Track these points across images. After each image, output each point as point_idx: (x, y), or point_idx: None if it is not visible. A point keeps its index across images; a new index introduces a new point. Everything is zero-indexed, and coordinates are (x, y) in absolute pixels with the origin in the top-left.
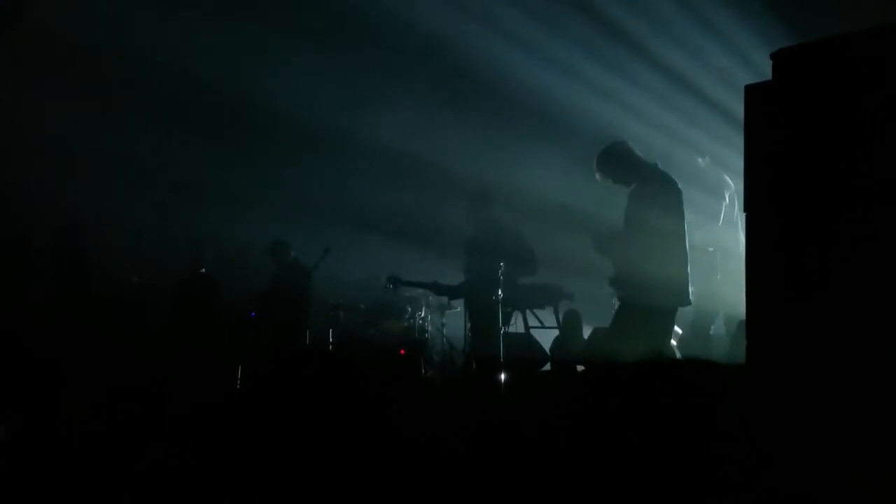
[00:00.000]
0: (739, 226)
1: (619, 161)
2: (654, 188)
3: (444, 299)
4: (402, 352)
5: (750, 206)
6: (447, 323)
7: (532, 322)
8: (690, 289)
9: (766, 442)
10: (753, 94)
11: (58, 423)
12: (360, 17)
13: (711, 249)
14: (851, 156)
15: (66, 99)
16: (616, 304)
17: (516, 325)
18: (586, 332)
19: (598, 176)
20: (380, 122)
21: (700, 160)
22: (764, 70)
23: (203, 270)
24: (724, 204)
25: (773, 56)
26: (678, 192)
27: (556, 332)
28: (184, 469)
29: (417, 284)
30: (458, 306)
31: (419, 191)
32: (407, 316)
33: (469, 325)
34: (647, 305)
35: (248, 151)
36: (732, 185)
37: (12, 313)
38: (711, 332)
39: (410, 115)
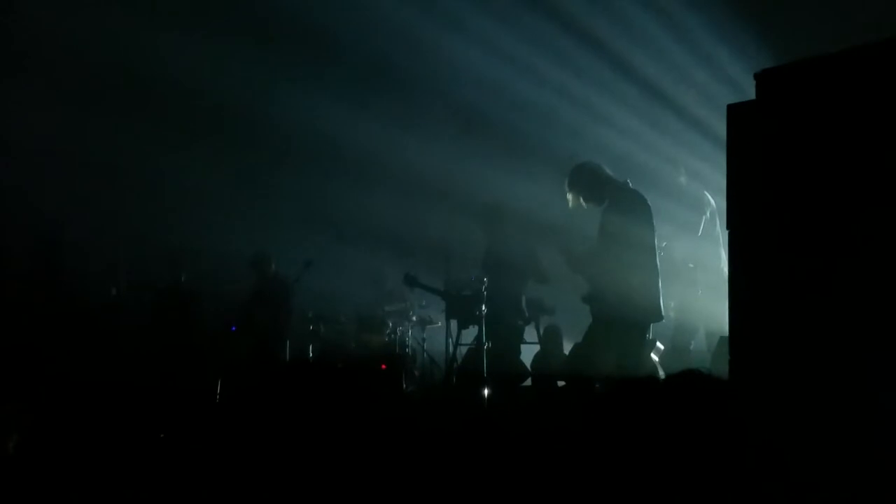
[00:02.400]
0: (720, 242)
1: (589, 180)
2: (626, 205)
3: (426, 314)
4: (384, 366)
5: (732, 223)
6: (427, 338)
7: None
8: (662, 302)
9: (749, 457)
10: (736, 113)
11: (32, 436)
12: (342, 30)
13: (692, 266)
14: (834, 174)
15: (46, 105)
16: None
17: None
18: (567, 348)
19: (569, 196)
20: (364, 134)
21: (682, 177)
22: (744, 89)
23: (183, 280)
24: (704, 218)
25: (757, 76)
26: (648, 208)
27: (536, 348)
28: (167, 475)
29: (431, 289)
30: (440, 321)
31: (403, 203)
32: (388, 330)
33: (455, 339)
34: (619, 320)
35: (231, 162)
36: (713, 201)
37: None
38: (692, 347)
39: (394, 128)
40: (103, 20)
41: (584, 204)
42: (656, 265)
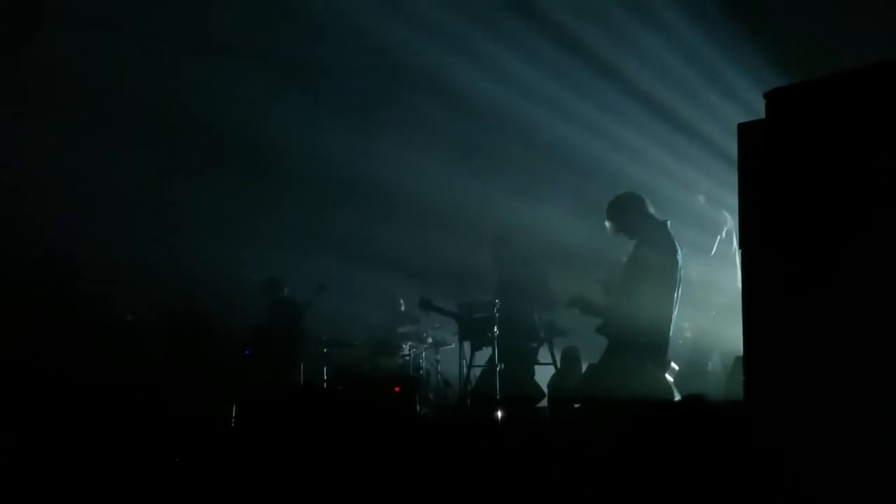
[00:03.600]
0: (736, 261)
1: (628, 213)
2: (654, 252)
3: (439, 336)
4: (397, 389)
5: (745, 242)
6: (441, 359)
7: None
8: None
9: (765, 476)
10: (746, 132)
11: (42, 458)
12: (352, 57)
13: (706, 285)
14: (845, 192)
15: (59, 132)
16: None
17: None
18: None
19: (607, 223)
20: (377, 159)
21: (700, 196)
22: (755, 108)
23: (197, 305)
24: (719, 238)
25: (767, 95)
26: (676, 259)
27: (550, 369)
28: (183, 499)
29: (446, 312)
30: (454, 343)
31: (416, 226)
32: (402, 353)
33: (468, 361)
34: (630, 346)
35: (244, 188)
36: (730, 219)
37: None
38: (709, 367)
39: (406, 153)
40: (117, 52)
41: (617, 234)
42: (671, 314)
